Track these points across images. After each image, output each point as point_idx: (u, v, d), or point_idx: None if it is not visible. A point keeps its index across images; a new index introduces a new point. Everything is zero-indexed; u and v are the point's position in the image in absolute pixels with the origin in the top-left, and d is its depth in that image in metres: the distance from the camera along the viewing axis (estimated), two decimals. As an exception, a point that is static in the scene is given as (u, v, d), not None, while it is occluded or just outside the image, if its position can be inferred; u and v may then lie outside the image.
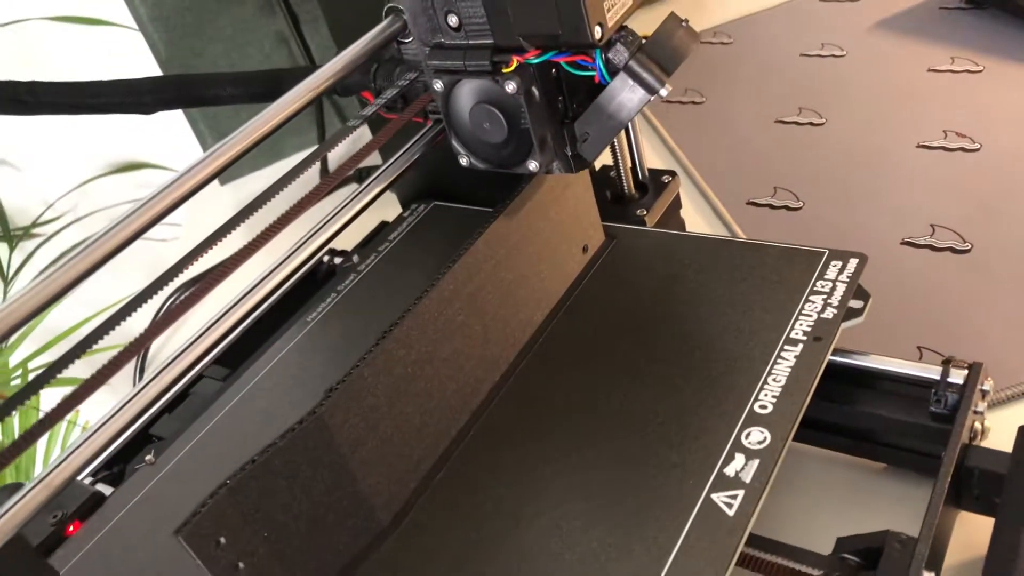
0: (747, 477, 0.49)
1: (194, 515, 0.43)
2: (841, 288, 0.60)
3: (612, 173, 0.80)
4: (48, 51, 1.22)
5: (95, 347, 0.44)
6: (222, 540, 0.44)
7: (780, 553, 0.53)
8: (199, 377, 0.78)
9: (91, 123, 1.26)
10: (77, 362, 0.42)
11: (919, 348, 0.73)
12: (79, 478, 0.68)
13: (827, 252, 0.63)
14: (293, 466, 0.48)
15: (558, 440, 0.55)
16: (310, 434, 0.48)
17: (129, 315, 0.43)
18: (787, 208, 0.93)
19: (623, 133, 0.78)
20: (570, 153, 0.56)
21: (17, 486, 0.42)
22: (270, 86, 0.68)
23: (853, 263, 0.61)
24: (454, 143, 0.58)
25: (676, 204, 0.81)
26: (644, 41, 0.51)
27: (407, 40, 0.57)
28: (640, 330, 0.61)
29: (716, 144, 1.06)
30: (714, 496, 0.48)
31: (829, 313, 0.58)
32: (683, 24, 0.53)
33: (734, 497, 0.48)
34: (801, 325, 0.58)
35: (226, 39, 1.11)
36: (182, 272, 0.47)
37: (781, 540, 0.54)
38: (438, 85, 0.55)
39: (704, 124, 1.10)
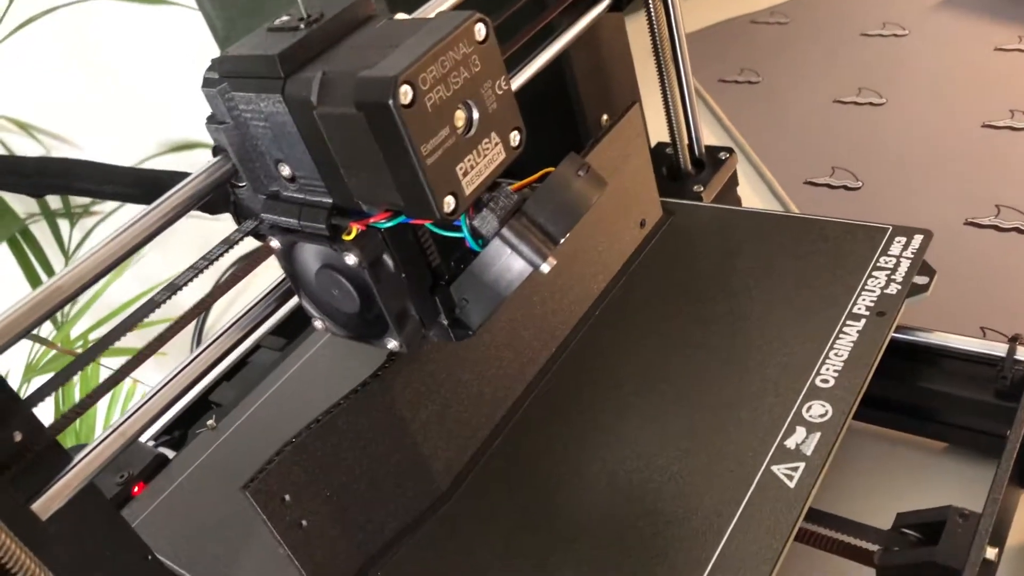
0: (808, 450, 0.48)
1: (261, 471, 0.44)
2: (905, 264, 0.58)
3: (668, 149, 0.79)
4: (109, 30, 1.25)
5: (152, 318, 0.45)
6: (287, 498, 0.45)
7: (838, 527, 0.53)
8: (257, 347, 0.80)
9: (147, 103, 1.29)
10: (135, 336, 0.43)
11: (982, 329, 0.71)
12: (141, 440, 0.70)
13: (891, 228, 0.62)
14: (355, 427, 0.48)
15: (613, 411, 0.55)
16: (372, 396, 0.49)
17: (186, 284, 0.44)
18: (846, 188, 0.91)
19: (679, 108, 0.77)
20: (446, 322, 0.45)
21: (83, 447, 0.44)
22: (144, 189, 0.66)
23: (918, 239, 0.60)
24: (304, 304, 0.47)
25: (733, 181, 0.81)
26: (527, 197, 0.41)
27: (242, 184, 0.45)
28: (698, 304, 0.61)
29: (772, 123, 1.05)
30: (775, 468, 0.48)
31: (893, 289, 0.57)
32: (581, 172, 0.42)
33: (795, 469, 0.48)
34: (864, 300, 0.57)
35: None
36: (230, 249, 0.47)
37: (840, 515, 0.53)
38: (274, 243, 0.44)
39: (760, 103, 1.09)
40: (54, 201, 1.21)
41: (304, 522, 0.46)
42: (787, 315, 0.57)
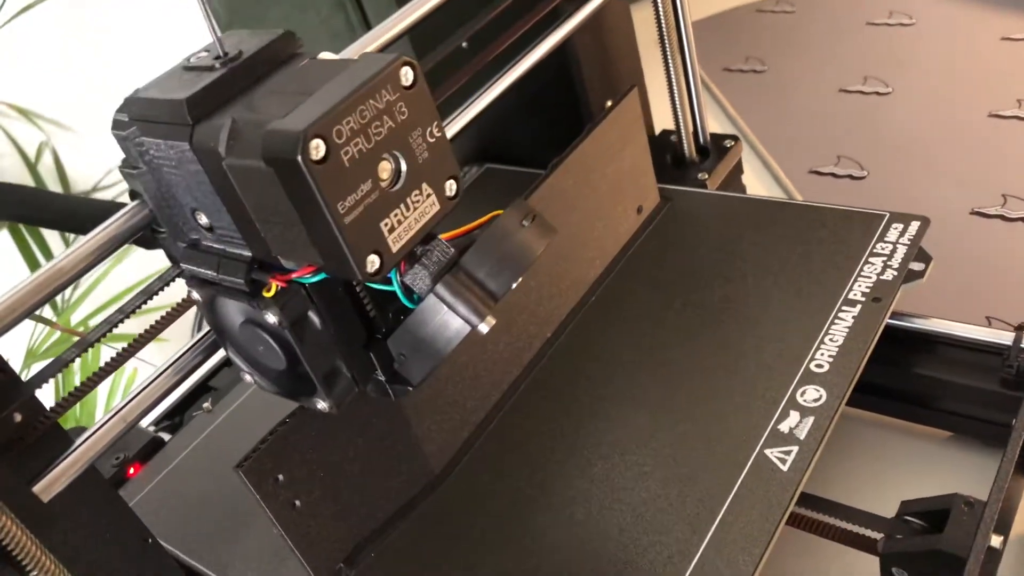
0: (801, 434, 0.48)
1: (254, 451, 0.44)
2: (902, 250, 0.58)
3: (673, 137, 0.79)
4: (111, 16, 1.25)
5: (154, 304, 0.45)
6: (280, 478, 0.45)
7: (842, 515, 0.52)
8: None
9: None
10: (138, 323, 0.43)
11: (988, 318, 0.71)
12: (140, 425, 0.70)
13: (888, 215, 0.61)
14: (350, 409, 0.48)
15: (609, 395, 0.55)
16: (366, 377, 0.48)
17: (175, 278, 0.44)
18: (851, 177, 0.91)
19: (684, 96, 0.76)
20: (383, 377, 0.42)
21: (82, 430, 0.44)
22: (74, 220, 0.61)
23: (915, 225, 0.60)
24: (232, 357, 0.44)
25: (738, 169, 0.80)
26: (467, 247, 0.38)
27: (162, 230, 0.41)
28: (694, 289, 0.60)
29: (778, 112, 1.04)
30: (767, 451, 0.48)
31: (889, 275, 0.56)
32: (525, 222, 0.39)
33: (788, 453, 0.47)
34: (860, 286, 0.56)
35: (285, 2, 1.12)
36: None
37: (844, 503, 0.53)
38: (195, 295, 0.41)
39: (766, 92, 1.08)
40: (55, 187, 1.21)
41: (297, 502, 0.46)
42: (783, 301, 0.57)
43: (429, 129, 0.35)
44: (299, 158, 0.30)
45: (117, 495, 0.45)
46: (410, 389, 0.41)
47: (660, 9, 0.72)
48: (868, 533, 0.51)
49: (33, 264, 1.14)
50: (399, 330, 0.40)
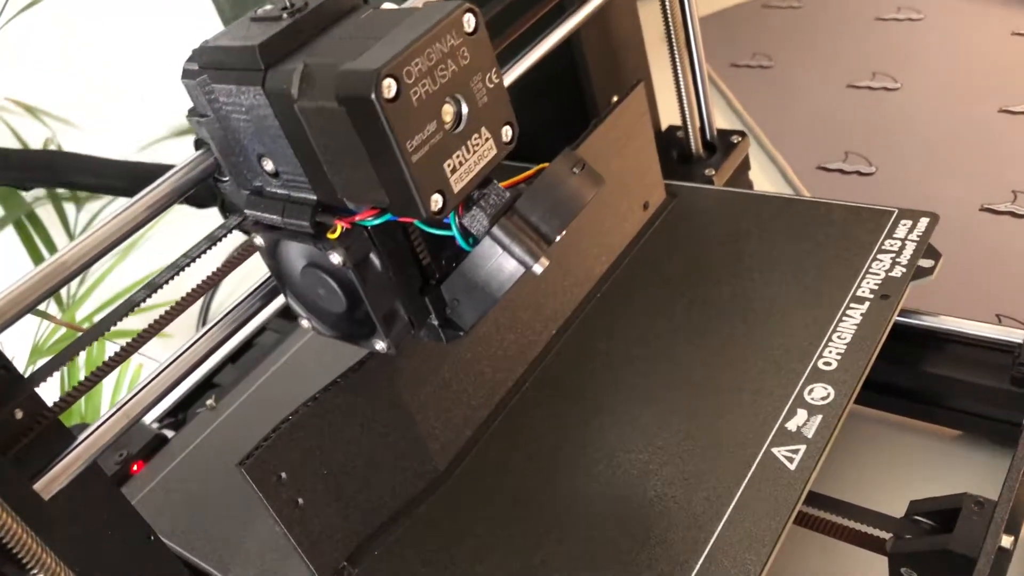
0: (809, 432, 0.48)
1: (257, 449, 0.44)
2: (911, 247, 0.57)
3: (679, 133, 0.78)
4: (116, 12, 1.25)
5: (159, 300, 0.44)
6: (283, 475, 0.45)
7: (850, 515, 0.52)
8: (262, 329, 0.80)
9: (153, 85, 1.29)
10: (142, 319, 0.43)
11: (998, 316, 0.70)
12: (144, 422, 0.70)
13: (896, 211, 0.61)
14: (353, 405, 0.48)
15: (615, 392, 0.54)
16: (371, 374, 0.48)
17: (186, 267, 0.44)
18: (859, 173, 0.90)
19: (690, 90, 0.76)
20: (437, 322, 0.44)
21: (85, 426, 0.43)
22: (129, 183, 0.63)
23: (924, 222, 0.59)
24: (291, 303, 0.46)
25: (745, 165, 0.79)
26: (519, 195, 0.39)
27: (225, 179, 0.43)
28: (701, 286, 0.60)
29: (785, 108, 1.03)
30: (775, 450, 0.47)
31: (898, 271, 0.56)
32: (575, 169, 0.40)
33: (795, 452, 0.47)
34: (868, 283, 0.56)
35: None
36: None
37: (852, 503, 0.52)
38: (258, 240, 0.43)
39: (772, 88, 1.07)
40: (60, 183, 1.20)
41: (300, 500, 0.46)
42: (790, 297, 0.56)
43: (488, 75, 0.36)
44: (373, 96, 0.31)
45: (119, 492, 0.45)
46: (461, 334, 0.43)
47: (667, 4, 0.71)
48: (876, 533, 0.51)
49: (38, 259, 1.14)
50: (454, 274, 0.42)
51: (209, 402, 0.64)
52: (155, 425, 0.73)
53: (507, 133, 0.38)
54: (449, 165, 0.35)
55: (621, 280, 0.63)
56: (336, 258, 0.39)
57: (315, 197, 0.39)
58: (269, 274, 0.48)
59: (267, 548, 0.53)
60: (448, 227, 0.39)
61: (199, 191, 0.44)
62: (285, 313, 0.80)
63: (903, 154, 0.91)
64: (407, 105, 0.33)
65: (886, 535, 0.50)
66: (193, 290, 0.44)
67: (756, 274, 0.59)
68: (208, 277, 0.45)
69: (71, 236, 1.25)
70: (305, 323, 0.46)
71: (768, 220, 0.63)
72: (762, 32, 1.17)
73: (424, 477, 0.52)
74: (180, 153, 0.45)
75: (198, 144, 0.43)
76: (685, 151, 0.78)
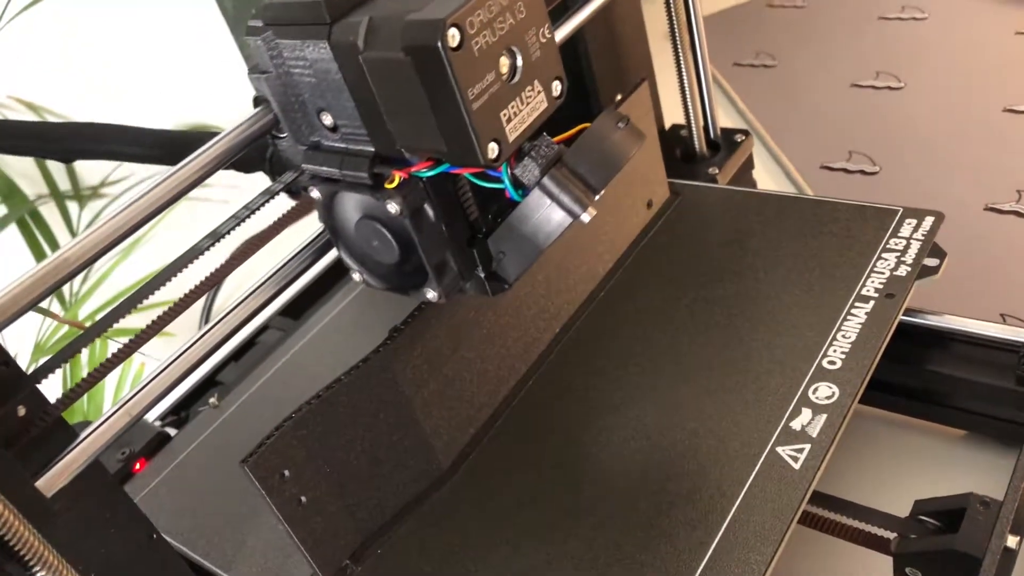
0: (814, 432, 0.47)
1: (260, 446, 0.44)
2: (916, 246, 0.57)
3: (683, 131, 0.78)
4: (118, 10, 1.25)
5: (162, 298, 0.44)
6: (286, 473, 0.45)
7: (854, 514, 0.51)
8: (265, 327, 0.80)
9: (157, 84, 1.29)
10: (145, 317, 0.43)
11: (1002, 315, 0.70)
12: (147, 420, 0.70)
13: (901, 210, 0.60)
14: (357, 403, 0.48)
15: (617, 391, 0.54)
16: (374, 372, 0.48)
17: (189, 264, 0.44)
18: (863, 172, 0.90)
19: (694, 89, 0.76)
20: (483, 274, 0.45)
21: (88, 424, 0.43)
22: (168, 150, 0.64)
23: (929, 221, 0.59)
24: (343, 256, 0.48)
25: (748, 164, 0.79)
26: (568, 148, 0.41)
27: (283, 135, 0.45)
28: (705, 284, 0.60)
29: (788, 107, 1.03)
30: (779, 449, 0.47)
31: (903, 271, 0.56)
32: (620, 124, 0.42)
33: (800, 451, 0.47)
34: (873, 282, 0.55)
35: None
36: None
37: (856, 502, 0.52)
38: (315, 193, 0.45)
39: (776, 87, 1.07)
40: (63, 182, 1.21)
41: (303, 498, 0.46)
42: (794, 297, 0.56)
43: (541, 30, 0.38)
44: (439, 44, 0.33)
45: (121, 490, 0.44)
46: (507, 287, 0.45)
47: (671, 3, 0.71)
48: (881, 532, 0.50)
49: (41, 258, 1.14)
50: (501, 227, 0.43)
51: (212, 400, 0.64)
52: (158, 423, 0.73)
53: (557, 88, 0.40)
54: (505, 115, 0.37)
55: (625, 279, 0.62)
56: (393, 207, 0.41)
57: (373, 149, 0.41)
58: (270, 273, 0.49)
59: (270, 546, 0.53)
60: (498, 180, 0.40)
61: (248, 153, 0.45)
62: (288, 311, 0.80)
63: (907, 153, 0.91)
64: (469, 55, 0.34)
65: (891, 535, 0.50)
66: (195, 288, 0.44)
67: (760, 273, 0.59)
68: (210, 275, 0.45)
69: (74, 234, 1.25)
70: (356, 276, 0.48)
71: (772, 219, 0.63)
72: (766, 31, 1.17)
73: (427, 475, 0.51)
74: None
75: (256, 101, 0.44)
76: (689, 150, 0.78)
